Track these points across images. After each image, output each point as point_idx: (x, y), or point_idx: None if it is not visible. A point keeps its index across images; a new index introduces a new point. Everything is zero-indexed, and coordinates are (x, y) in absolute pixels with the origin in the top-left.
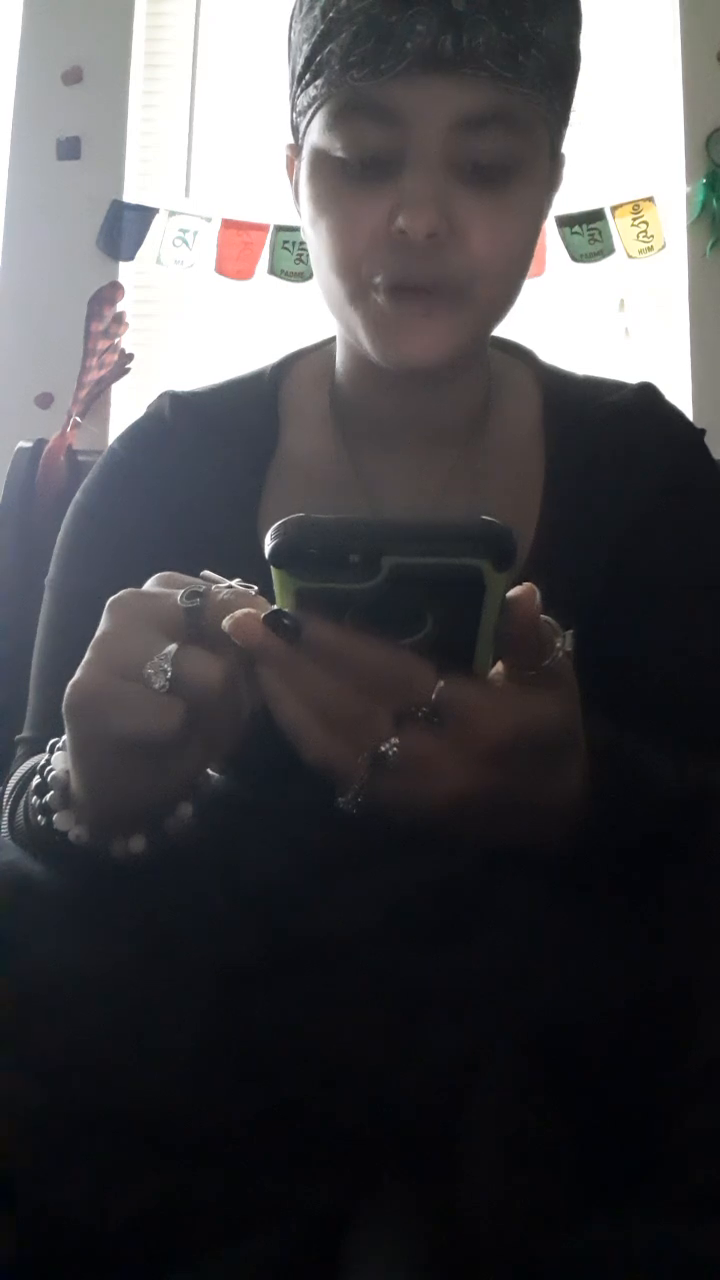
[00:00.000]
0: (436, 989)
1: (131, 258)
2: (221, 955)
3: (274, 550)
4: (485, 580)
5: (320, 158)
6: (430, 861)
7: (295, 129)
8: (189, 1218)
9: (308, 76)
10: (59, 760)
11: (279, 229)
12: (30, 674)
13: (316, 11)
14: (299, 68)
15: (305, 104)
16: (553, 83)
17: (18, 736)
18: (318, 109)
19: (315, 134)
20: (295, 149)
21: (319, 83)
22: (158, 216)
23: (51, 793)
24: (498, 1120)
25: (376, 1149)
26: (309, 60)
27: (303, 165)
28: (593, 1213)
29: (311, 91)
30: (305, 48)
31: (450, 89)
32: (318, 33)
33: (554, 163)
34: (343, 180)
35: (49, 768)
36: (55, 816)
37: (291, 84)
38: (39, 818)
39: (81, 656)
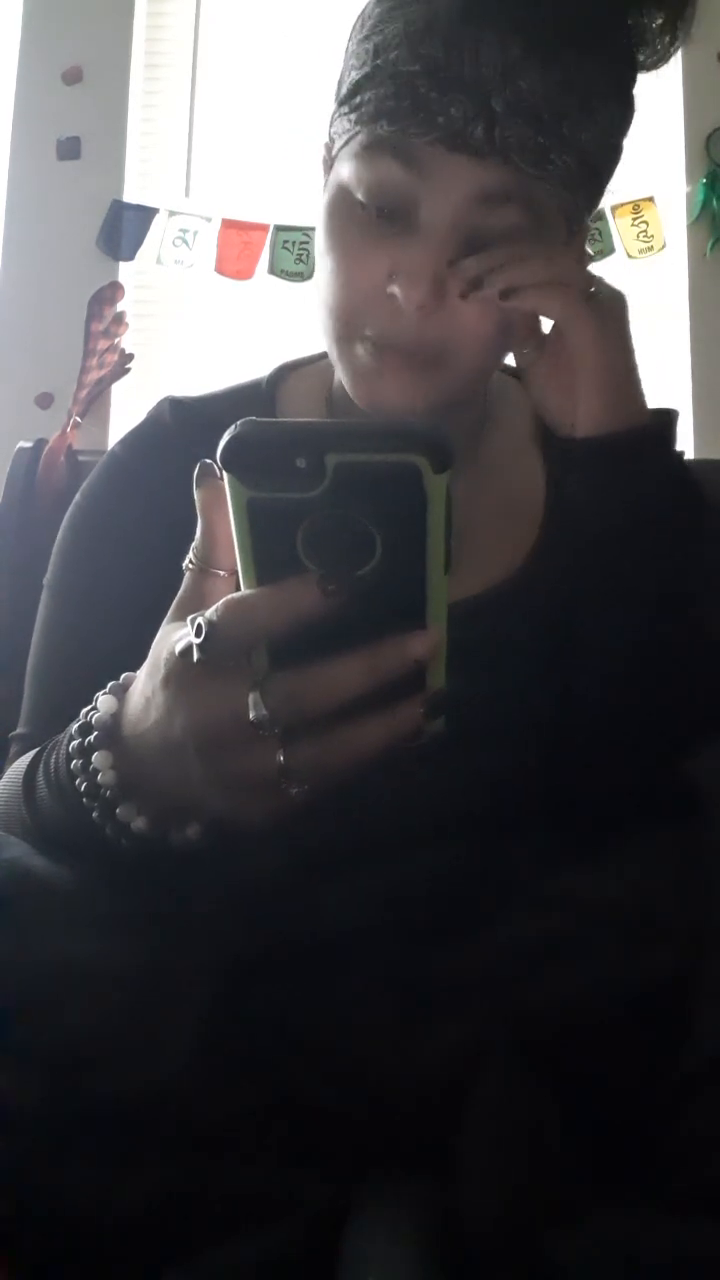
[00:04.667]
0: (436, 984)
1: (131, 258)
2: (222, 951)
3: (224, 450)
4: (425, 483)
5: (341, 194)
6: (429, 857)
7: (329, 143)
8: (190, 1212)
9: (346, 108)
10: (105, 704)
11: (279, 229)
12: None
13: (370, 46)
14: (343, 92)
15: (340, 130)
16: (582, 182)
17: (12, 734)
18: (348, 140)
19: (342, 165)
20: (329, 150)
21: (352, 118)
22: (158, 216)
23: (95, 736)
24: (497, 1117)
25: (377, 1145)
26: (350, 93)
27: (326, 193)
28: (593, 1211)
29: (344, 124)
30: (352, 75)
31: (473, 167)
32: (363, 72)
33: (573, 236)
34: (356, 225)
35: (92, 711)
36: (119, 809)
37: (336, 95)
38: (86, 801)
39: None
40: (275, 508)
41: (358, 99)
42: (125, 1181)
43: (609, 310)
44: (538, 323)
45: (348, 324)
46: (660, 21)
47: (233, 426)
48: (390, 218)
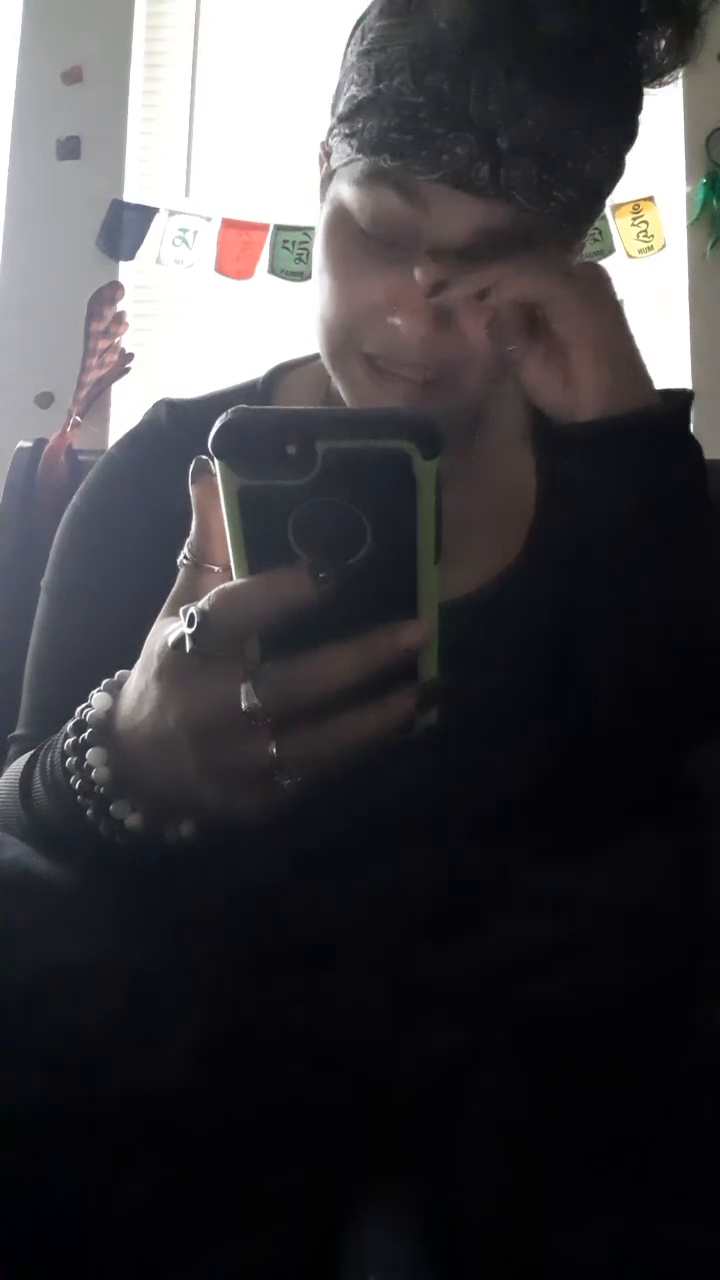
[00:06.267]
0: (435, 984)
1: (131, 257)
2: (221, 949)
3: (215, 437)
4: (415, 470)
5: (341, 216)
6: (428, 856)
7: (327, 151)
8: (190, 1212)
9: (346, 128)
10: (99, 701)
11: (279, 228)
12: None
13: (371, 64)
14: (342, 108)
15: (340, 149)
16: (584, 210)
17: (10, 735)
18: (348, 163)
19: (342, 186)
20: (325, 156)
21: (354, 143)
22: (158, 216)
23: (89, 733)
24: (497, 1115)
25: (377, 1145)
26: (351, 114)
27: (325, 209)
28: (592, 1209)
29: (345, 146)
30: (352, 92)
31: (476, 205)
32: (365, 94)
33: (569, 254)
34: (357, 248)
35: (87, 709)
36: (113, 806)
37: (333, 106)
38: (80, 799)
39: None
40: (266, 495)
41: (359, 123)
42: (125, 1182)
43: (590, 279)
44: (520, 316)
45: (345, 339)
46: (667, 41)
47: (224, 414)
48: (391, 245)
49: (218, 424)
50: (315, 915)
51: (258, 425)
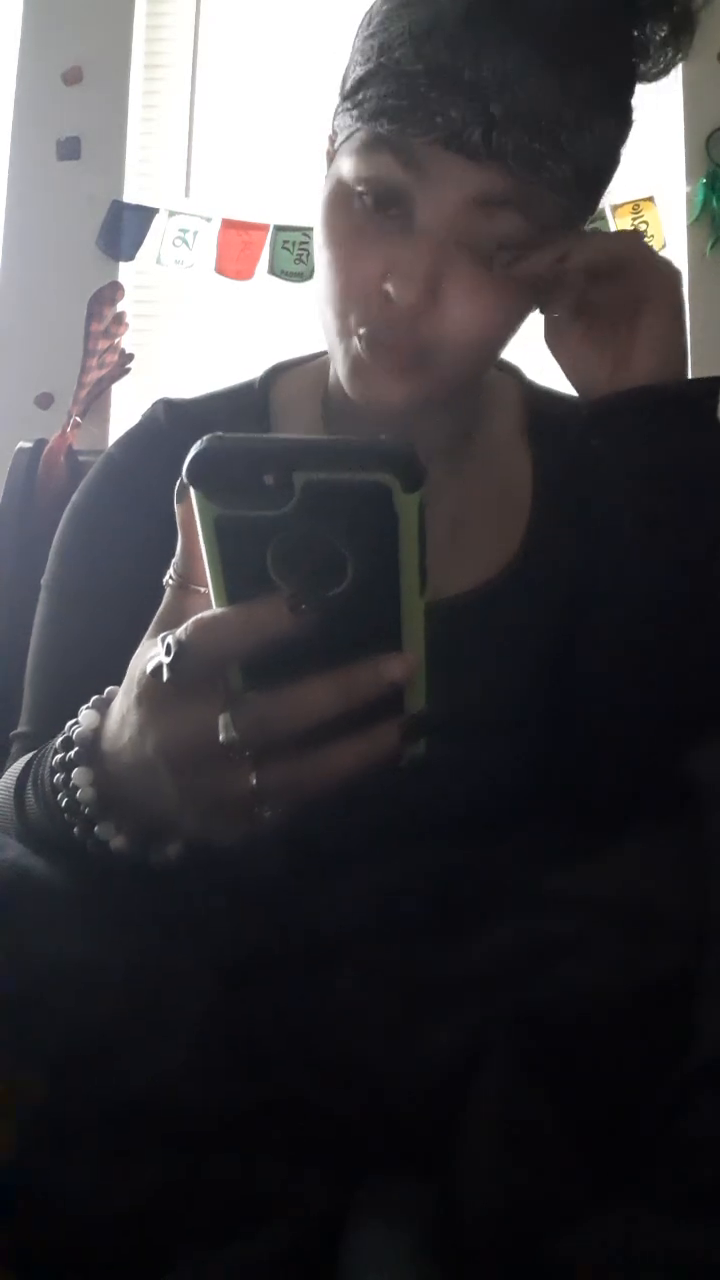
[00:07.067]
0: (435, 983)
1: (131, 258)
2: (220, 950)
3: (189, 467)
4: (395, 503)
5: (340, 189)
6: (428, 855)
7: (332, 137)
8: (188, 1212)
9: (348, 104)
10: (87, 719)
11: (279, 229)
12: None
13: (375, 43)
14: (346, 88)
15: (342, 125)
16: (578, 188)
17: (13, 732)
18: (349, 136)
19: (343, 160)
20: (331, 144)
21: (354, 114)
22: (158, 216)
23: (76, 751)
24: (496, 1115)
25: (376, 1145)
26: (353, 90)
27: (325, 186)
28: (592, 1210)
29: (347, 120)
30: (356, 71)
31: (470, 169)
32: (367, 69)
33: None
34: (353, 221)
35: (75, 725)
36: (97, 827)
37: (340, 91)
38: (67, 817)
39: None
40: (244, 525)
41: (360, 95)
42: (125, 1181)
43: (666, 259)
44: (577, 283)
45: (344, 320)
46: (664, 35)
47: (199, 442)
48: (387, 215)
49: (193, 452)
50: (315, 916)
51: (234, 454)
